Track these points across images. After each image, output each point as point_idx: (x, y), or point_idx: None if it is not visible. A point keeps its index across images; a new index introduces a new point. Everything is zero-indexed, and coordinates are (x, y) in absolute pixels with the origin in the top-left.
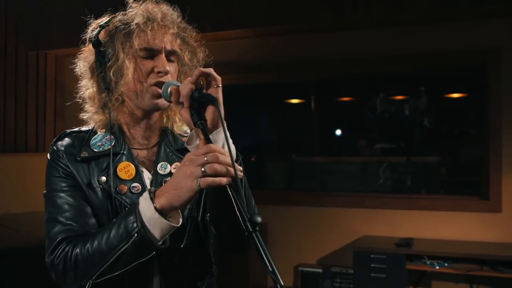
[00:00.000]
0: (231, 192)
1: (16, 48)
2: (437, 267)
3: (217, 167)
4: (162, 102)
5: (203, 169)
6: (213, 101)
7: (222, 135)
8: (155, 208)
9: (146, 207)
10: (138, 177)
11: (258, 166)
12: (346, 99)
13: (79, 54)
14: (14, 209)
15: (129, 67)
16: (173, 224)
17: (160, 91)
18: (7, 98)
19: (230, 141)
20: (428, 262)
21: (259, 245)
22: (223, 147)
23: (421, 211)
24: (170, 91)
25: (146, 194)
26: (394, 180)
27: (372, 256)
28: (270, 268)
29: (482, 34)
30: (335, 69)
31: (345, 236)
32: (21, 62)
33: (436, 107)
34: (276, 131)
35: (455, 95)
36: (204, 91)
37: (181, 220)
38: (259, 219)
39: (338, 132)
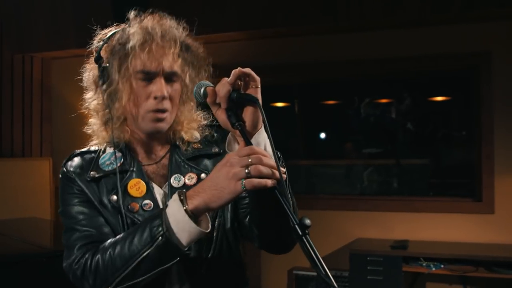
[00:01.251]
0: (278, 195)
1: (1, 51)
2: (434, 269)
3: (262, 168)
4: (161, 126)
5: (247, 170)
6: (255, 102)
7: (261, 137)
8: (186, 210)
9: (175, 209)
10: (149, 193)
11: None
12: (331, 102)
13: (86, 64)
14: (1, 215)
15: (124, 90)
16: (202, 230)
17: (159, 116)
18: None
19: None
20: (424, 264)
21: (310, 249)
22: (272, 149)
23: (415, 213)
24: (204, 92)
25: (175, 196)
26: (380, 183)
27: (368, 258)
28: (323, 272)
29: (474, 38)
30: (321, 72)
31: (339, 239)
32: (6, 65)
33: (421, 110)
34: None
35: (439, 98)
36: (242, 91)
37: (210, 226)
38: (308, 221)
39: (323, 135)
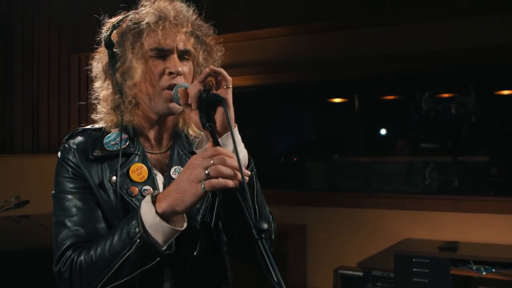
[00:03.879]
0: (239, 197)
1: (59, 51)
2: (484, 273)
3: (222, 169)
4: (175, 106)
5: (207, 171)
6: (221, 101)
7: (230, 139)
8: (156, 212)
9: (147, 211)
10: (151, 180)
11: (299, 166)
12: (391, 97)
13: (94, 55)
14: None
15: (138, 68)
16: (176, 228)
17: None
18: (50, 100)
19: (242, 145)
20: (474, 267)
21: (264, 253)
22: (234, 151)
23: (468, 214)
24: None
25: (148, 198)
26: (441, 181)
27: (414, 260)
28: (275, 279)
29: None
30: (379, 66)
31: (387, 239)
32: (63, 64)
33: (484, 105)
34: (318, 131)
35: (506, 92)
36: (214, 91)
37: (185, 224)
38: (265, 225)
39: (383, 131)
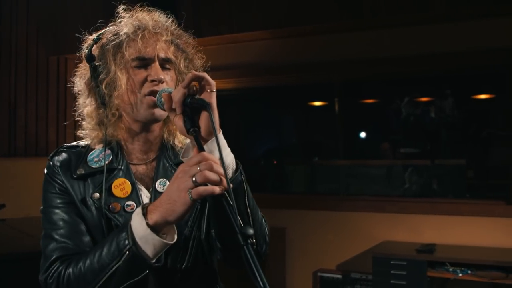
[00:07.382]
0: (224, 203)
1: (37, 53)
2: (460, 275)
3: (209, 175)
4: (158, 112)
5: (194, 178)
6: (205, 105)
7: (215, 144)
8: (147, 224)
9: (138, 223)
10: (134, 194)
11: (279, 169)
12: (370, 101)
13: (76, 72)
14: (34, 213)
15: (122, 78)
16: (166, 241)
17: (155, 99)
18: (28, 103)
19: (228, 149)
20: (450, 269)
21: (250, 259)
22: (220, 156)
23: (445, 216)
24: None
25: (138, 210)
26: (419, 184)
27: (391, 262)
28: (261, 285)
29: (509, 32)
30: (358, 71)
31: (366, 241)
32: (42, 66)
33: (462, 109)
34: (298, 134)
35: (482, 96)
36: (198, 96)
37: (176, 236)
38: (250, 231)
39: (363, 134)
